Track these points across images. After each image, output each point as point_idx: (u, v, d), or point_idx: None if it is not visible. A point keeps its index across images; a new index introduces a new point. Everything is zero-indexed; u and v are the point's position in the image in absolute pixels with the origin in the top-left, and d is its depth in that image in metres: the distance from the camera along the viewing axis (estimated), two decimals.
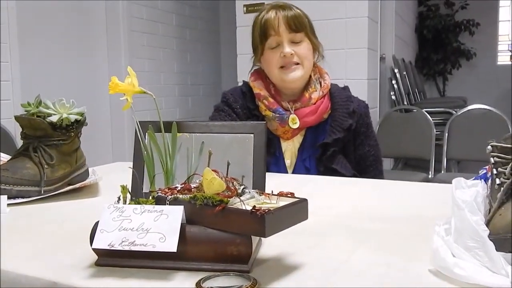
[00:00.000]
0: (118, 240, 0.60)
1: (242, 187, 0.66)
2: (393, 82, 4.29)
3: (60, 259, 0.66)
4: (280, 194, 0.64)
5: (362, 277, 0.59)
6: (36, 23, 3.22)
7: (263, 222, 0.55)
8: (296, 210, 0.61)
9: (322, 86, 1.42)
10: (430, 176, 2.95)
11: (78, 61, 3.58)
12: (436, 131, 3.09)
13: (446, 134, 3.04)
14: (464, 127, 3.04)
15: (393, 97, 4.30)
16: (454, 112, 3.35)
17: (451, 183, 1.17)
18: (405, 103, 4.35)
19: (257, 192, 0.66)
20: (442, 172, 3.00)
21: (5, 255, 0.68)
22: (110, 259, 0.62)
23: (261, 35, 1.38)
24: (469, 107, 3.15)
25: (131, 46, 3.83)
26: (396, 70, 4.30)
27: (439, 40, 6.91)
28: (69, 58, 3.50)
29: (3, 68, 2.79)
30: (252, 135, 0.76)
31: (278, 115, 1.38)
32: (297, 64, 1.37)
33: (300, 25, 1.37)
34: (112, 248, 0.59)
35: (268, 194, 0.65)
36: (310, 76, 1.42)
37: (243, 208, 0.60)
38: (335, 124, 1.38)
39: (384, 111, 3.71)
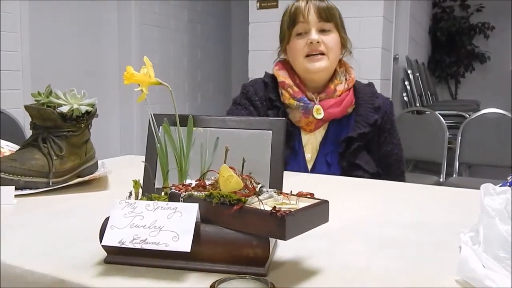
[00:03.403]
0: (129, 238, 0.57)
1: (259, 185, 0.63)
2: (406, 83, 4.24)
3: (68, 255, 0.64)
4: (300, 195, 0.61)
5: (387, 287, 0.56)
6: (47, 14, 3.20)
7: (284, 224, 0.52)
8: (317, 212, 0.58)
9: (348, 79, 1.41)
10: (441, 180, 2.91)
11: (88, 52, 3.57)
12: (448, 134, 3.04)
13: (459, 138, 2.99)
14: (477, 131, 2.98)
15: (405, 98, 4.25)
16: (468, 116, 3.29)
17: (463, 187, 1.14)
18: (417, 105, 4.30)
19: (275, 192, 0.63)
20: (454, 176, 2.95)
21: (11, 249, 0.66)
22: (120, 257, 0.60)
23: (290, 21, 1.37)
24: (483, 111, 3.09)
25: (142, 39, 3.81)
26: (409, 71, 4.25)
27: (453, 43, 6.83)
28: (79, 49, 3.49)
29: (13, 58, 2.78)
30: (270, 131, 0.72)
31: (302, 104, 1.35)
32: (323, 54, 1.35)
33: (330, 15, 1.36)
34: (123, 246, 0.56)
35: (287, 194, 0.62)
36: (336, 69, 1.40)
37: (262, 208, 0.56)
38: (360, 119, 1.36)
39: (396, 113, 3.66)
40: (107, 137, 3.73)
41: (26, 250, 0.66)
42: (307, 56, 1.36)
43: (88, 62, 3.56)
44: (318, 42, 1.33)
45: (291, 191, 0.62)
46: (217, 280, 0.53)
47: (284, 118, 0.75)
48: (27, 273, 0.59)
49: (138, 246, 0.56)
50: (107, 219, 0.59)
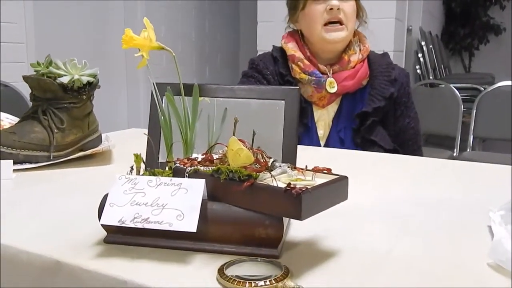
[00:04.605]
0: (129, 216, 0.52)
1: (272, 160, 0.58)
2: (419, 55, 4.12)
3: (65, 234, 0.59)
4: (316, 170, 0.56)
5: (410, 272, 0.51)
6: None
7: (300, 203, 0.47)
8: (336, 189, 0.53)
9: (362, 49, 1.34)
10: (455, 154, 2.84)
11: (93, 23, 3.50)
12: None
13: (474, 111, 2.90)
14: (492, 105, 2.89)
15: (418, 71, 4.14)
16: (482, 89, 3.19)
17: (477, 161, 1.08)
18: (431, 77, 4.19)
19: (289, 167, 0.57)
20: (468, 150, 2.88)
21: (7, 227, 0.61)
22: (121, 236, 0.55)
23: None
24: (499, 84, 2.98)
25: (149, 11, 3.72)
26: (423, 43, 4.12)
27: (467, 14, 6.61)
28: (84, 20, 3.42)
29: (17, 30, 2.72)
30: (283, 101, 0.67)
31: (314, 78, 1.29)
32: (341, 23, 1.28)
33: None
34: (123, 225, 0.52)
35: (302, 169, 0.57)
36: (350, 39, 1.33)
37: (275, 184, 0.51)
38: (375, 92, 1.29)
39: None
40: (113, 109, 3.68)
41: (22, 229, 0.62)
42: (325, 25, 1.28)
43: (93, 30, 3.49)
44: (338, 8, 1.26)
45: (306, 166, 0.57)
46: (226, 263, 0.49)
47: (298, 87, 0.69)
48: (23, 253, 0.55)
49: (139, 225, 0.52)
50: (106, 196, 0.55)
